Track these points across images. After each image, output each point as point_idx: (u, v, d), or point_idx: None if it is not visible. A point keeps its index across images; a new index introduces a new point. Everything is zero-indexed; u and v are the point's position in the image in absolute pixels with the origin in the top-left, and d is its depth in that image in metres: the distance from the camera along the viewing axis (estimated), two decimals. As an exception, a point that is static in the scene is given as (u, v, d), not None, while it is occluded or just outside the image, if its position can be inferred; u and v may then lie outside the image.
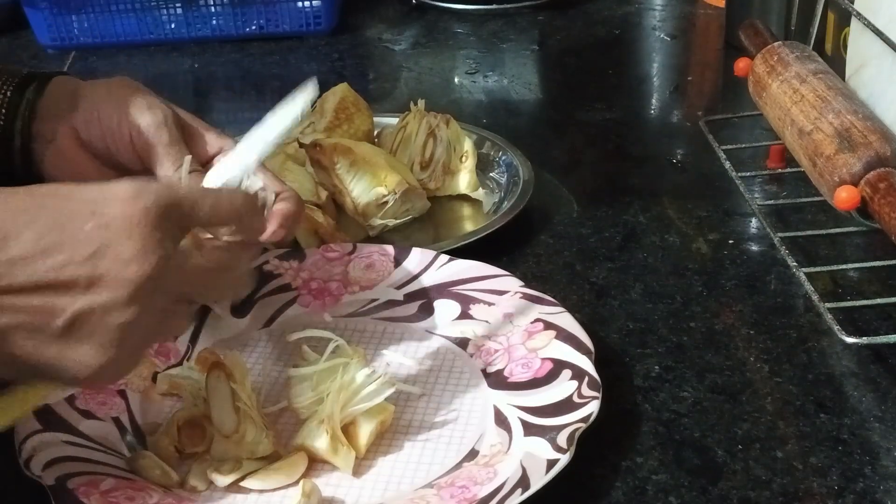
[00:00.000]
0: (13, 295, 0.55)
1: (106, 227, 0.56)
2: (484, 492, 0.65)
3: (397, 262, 0.86)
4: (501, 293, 0.82)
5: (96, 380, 0.59)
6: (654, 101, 1.27)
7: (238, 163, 0.67)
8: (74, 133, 0.78)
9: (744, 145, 1.05)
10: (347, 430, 0.70)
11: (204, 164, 0.77)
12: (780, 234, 0.88)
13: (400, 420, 0.74)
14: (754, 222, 0.96)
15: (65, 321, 0.56)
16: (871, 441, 0.71)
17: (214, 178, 0.67)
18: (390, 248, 0.88)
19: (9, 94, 0.79)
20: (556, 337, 0.77)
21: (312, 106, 1.06)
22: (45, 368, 0.57)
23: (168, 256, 0.57)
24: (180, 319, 0.63)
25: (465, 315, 0.82)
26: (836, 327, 0.76)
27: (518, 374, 0.76)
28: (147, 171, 0.77)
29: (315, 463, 0.70)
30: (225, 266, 0.63)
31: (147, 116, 0.76)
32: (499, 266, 0.85)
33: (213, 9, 1.39)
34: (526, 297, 0.81)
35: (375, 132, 1.07)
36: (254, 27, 1.40)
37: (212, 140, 0.78)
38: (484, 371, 0.78)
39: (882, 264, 0.86)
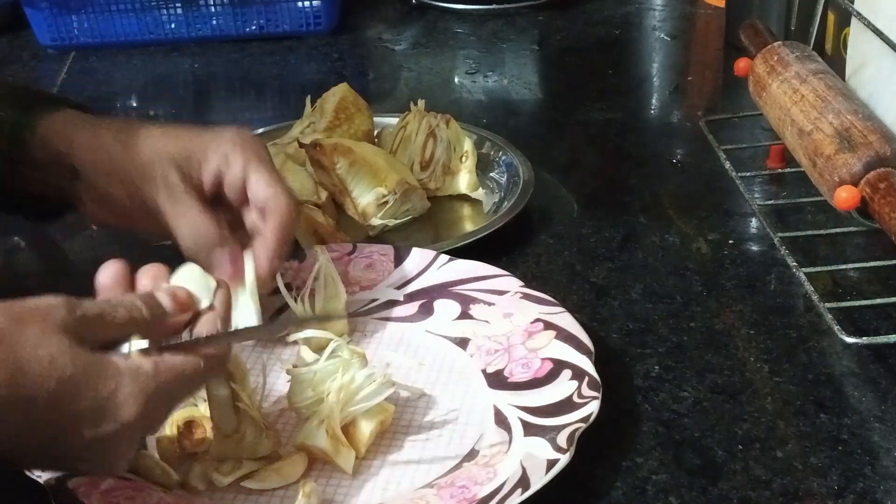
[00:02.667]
0: None
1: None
2: (484, 492, 0.65)
3: (397, 262, 0.86)
4: (501, 293, 0.82)
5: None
6: (654, 101, 1.27)
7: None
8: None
9: (744, 145, 1.05)
10: (347, 430, 0.70)
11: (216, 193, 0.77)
12: (780, 234, 0.88)
13: (400, 420, 0.74)
14: (754, 222, 0.96)
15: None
16: (871, 441, 0.71)
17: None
18: (390, 248, 0.88)
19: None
20: (556, 337, 0.77)
21: (313, 106, 1.07)
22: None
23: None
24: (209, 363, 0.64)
25: (465, 315, 0.82)
26: (836, 327, 0.76)
27: (518, 374, 0.76)
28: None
29: (315, 463, 0.70)
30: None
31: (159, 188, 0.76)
32: (499, 266, 0.85)
33: (213, 9, 1.39)
34: (526, 297, 0.81)
35: (375, 132, 1.07)
36: (254, 27, 1.40)
37: (210, 166, 0.77)
38: (484, 371, 0.78)
39: (882, 264, 0.86)
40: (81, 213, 0.80)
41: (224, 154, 0.76)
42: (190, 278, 0.67)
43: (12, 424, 0.56)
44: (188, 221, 0.75)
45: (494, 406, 0.74)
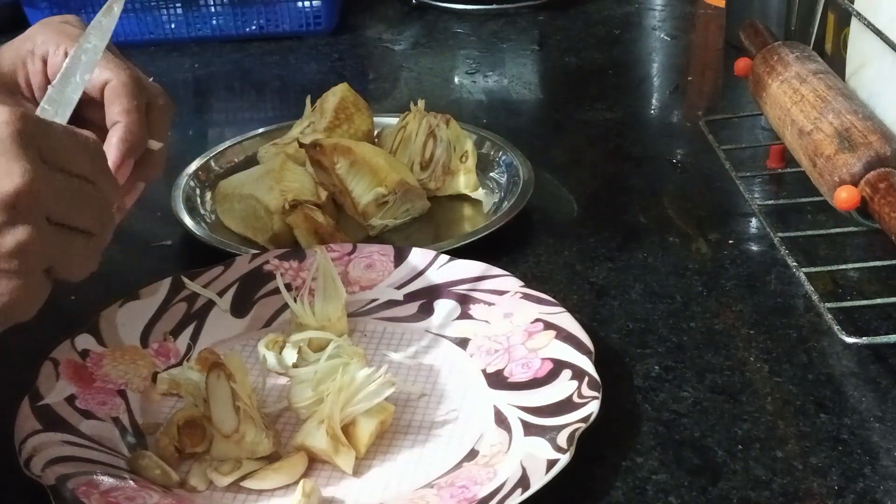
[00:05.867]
0: None
1: None
2: (484, 492, 0.65)
3: (397, 262, 0.86)
4: (501, 293, 0.82)
5: (10, 314, 0.57)
6: (654, 101, 1.27)
7: (62, 81, 0.67)
8: None
9: (744, 145, 1.05)
10: (347, 430, 0.70)
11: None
12: (780, 234, 0.88)
13: (400, 420, 0.74)
14: (754, 222, 0.96)
15: None
16: (871, 441, 0.72)
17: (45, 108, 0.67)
18: (390, 248, 0.88)
19: None
20: (556, 337, 0.77)
21: (313, 106, 1.08)
22: None
23: (38, 172, 0.55)
24: (80, 251, 0.59)
25: (465, 315, 0.82)
26: (836, 327, 0.76)
27: (518, 374, 0.76)
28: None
29: (315, 463, 0.70)
30: (89, 193, 0.59)
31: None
32: (499, 266, 0.85)
33: (213, 9, 1.39)
34: (526, 297, 0.81)
35: (375, 132, 1.07)
36: (254, 27, 1.40)
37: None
38: (484, 371, 0.78)
39: (882, 264, 0.86)
40: None
41: (45, 46, 0.75)
42: None
43: None
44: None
45: (494, 406, 0.74)
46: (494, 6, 1.48)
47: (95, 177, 0.60)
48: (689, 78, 1.33)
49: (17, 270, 0.55)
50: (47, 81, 0.75)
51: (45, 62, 0.76)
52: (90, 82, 0.70)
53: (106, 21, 0.69)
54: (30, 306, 0.58)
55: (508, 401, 0.74)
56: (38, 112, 0.67)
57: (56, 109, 0.67)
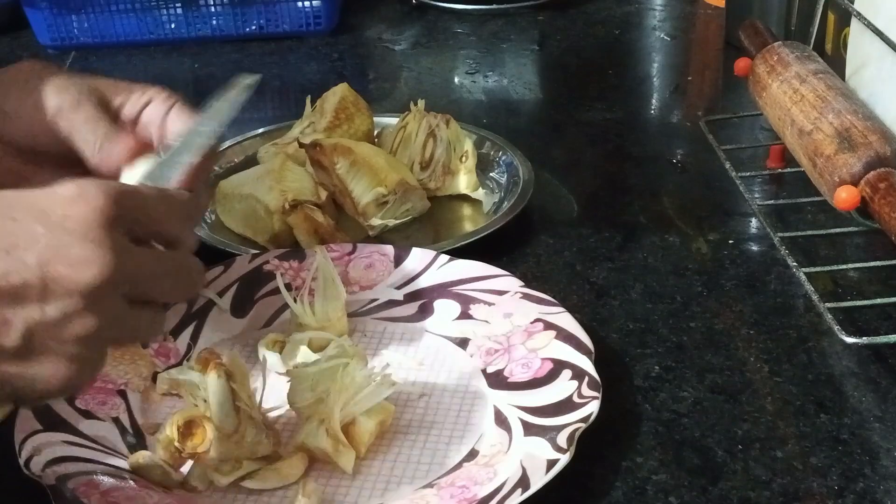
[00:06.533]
0: None
1: (56, 229, 0.51)
2: (484, 492, 0.65)
3: (397, 262, 0.86)
4: (501, 293, 0.82)
5: (62, 394, 0.55)
6: (654, 101, 1.27)
7: (169, 161, 0.64)
8: None
9: (744, 145, 1.05)
10: (347, 430, 0.70)
11: (135, 120, 0.72)
12: (780, 234, 0.88)
13: (400, 420, 0.74)
14: (754, 222, 0.96)
15: (18, 336, 0.51)
16: (871, 441, 0.72)
17: (138, 174, 0.63)
18: (390, 248, 0.88)
19: None
20: (556, 337, 0.77)
21: (313, 106, 1.08)
22: (4, 387, 0.53)
23: (122, 258, 0.53)
24: (150, 323, 0.57)
25: (465, 315, 0.82)
26: (836, 327, 0.76)
27: (518, 374, 0.76)
28: (71, 158, 0.71)
29: (315, 463, 0.70)
30: (177, 265, 0.58)
31: (60, 97, 0.69)
32: (499, 266, 0.85)
33: (213, 9, 1.39)
34: (526, 297, 0.81)
35: (375, 132, 1.07)
36: (254, 27, 1.40)
37: (135, 97, 0.72)
38: (484, 371, 0.78)
39: (882, 264, 0.86)
40: None
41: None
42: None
43: None
44: (87, 125, 0.70)
45: (494, 406, 0.74)
46: (494, 6, 1.48)
47: (186, 238, 0.59)
48: (689, 78, 1.33)
49: (79, 356, 0.53)
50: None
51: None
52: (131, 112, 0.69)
53: (228, 105, 0.66)
54: (83, 385, 0.57)
55: (508, 401, 0.74)
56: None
57: (153, 183, 0.63)
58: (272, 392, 0.76)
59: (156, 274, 0.56)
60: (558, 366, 0.75)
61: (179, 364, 0.78)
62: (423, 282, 0.85)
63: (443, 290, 0.84)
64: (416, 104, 1.04)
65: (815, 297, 0.80)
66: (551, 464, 0.66)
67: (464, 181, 1.01)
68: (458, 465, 0.70)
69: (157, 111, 0.71)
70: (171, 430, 0.70)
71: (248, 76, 0.65)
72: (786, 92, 0.92)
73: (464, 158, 1.01)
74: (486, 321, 0.81)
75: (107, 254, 0.52)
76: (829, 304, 0.79)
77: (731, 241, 0.94)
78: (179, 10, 1.38)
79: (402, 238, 0.95)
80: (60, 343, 0.52)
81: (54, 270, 0.51)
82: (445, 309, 0.83)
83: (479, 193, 1.01)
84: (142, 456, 0.69)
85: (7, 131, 0.70)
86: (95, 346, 0.54)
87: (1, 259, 0.51)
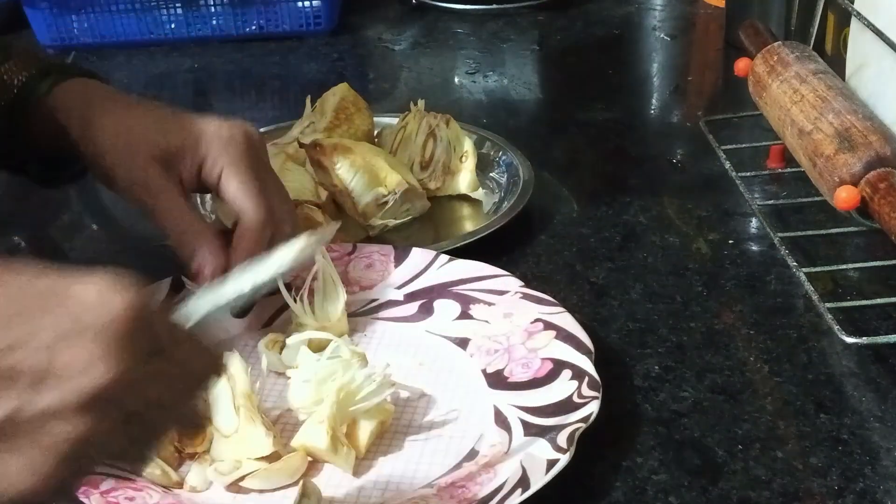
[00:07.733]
0: None
1: (75, 317, 0.47)
2: (484, 492, 0.65)
3: (397, 262, 0.86)
4: (501, 293, 0.82)
5: (22, 499, 0.47)
6: (654, 101, 1.27)
7: (217, 299, 0.58)
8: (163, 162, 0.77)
9: (744, 145, 1.05)
10: (347, 430, 0.70)
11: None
12: (780, 234, 0.88)
13: (400, 420, 0.74)
14: (754, 222, 0.96)
15: (1, 415, 0.46)
16: (871, 441, 0.71)
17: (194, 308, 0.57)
18: (390, 248, 0.88)
19: None
20: (556, 337, 0.77)
21: (313, 106, 1.08)
22: None
23: (130, 370, 0.48)
24: (140, 448, 0.53)
25: (465, 315, 0.82)
26: (836, 327, 0.76)
27: (518, 374, 0.76)
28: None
29: (315, 463, 0.70)
30: (180, 392, 0.53)
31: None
32: (499, 266, 0.85)
33: (213, 9, 1.39)
34: (526, 297, 0.81)
35: (375, 132, 1.07)
36: (254, 27, 1.40)
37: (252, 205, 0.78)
38: (484, 371, 0.78)
39: (882, 264, 0.86)
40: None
41: (206, 153, 0.78)
42: None
43: None
44: (168, 218, 0.77)
45: (494, 406, 0.74)
46: (494, 6, 1.48)
47: (202, 379, 0.55)
48: (689, 78, 1.33)
49: (56, 459, 0.47)
50: (195, 183, 0.78)
51: (200, 168, 0.78)
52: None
53: (289, 262, 0.60)
54: (48, 498, 0.49)
55: (508, 401, 0.74)
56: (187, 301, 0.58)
57: (198, 309, 0.57)
58: (272, 392, 0.76)
59: (161, 394, 0.51)
60: (558, 366, 0.75)
61: (179, 364, 0.78)
62: (423, 282, 0.85)
63: (443, 290, 0.84)
64: (415, 104, 1.04)
65: (815, 297, 0.80)
66: (551, 464, 0.66)
67: (464, 181, 1.01)
68: (458, 466, 0.70)
69: (211, 179, 0.78)
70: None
71: (318, 233, 0.63)
72: (786, 92, 0.92)
73: (464, 158, 1.01)
74: (486, 321, 0.81)
75: (114, 365, 0.47)
76: (829, 304, 0.79)
77: (731, 241, 0.94)
78: (179, 10, 1.39)
79: (402, 238, 0.95)
80: (38, 442, 0.47)
81: (58, 361, 0.47)
82: (445, 309, 0.83)
83: (479, 193, 1.01)
84: (142, 456, 0.69)
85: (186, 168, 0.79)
86: (76, 454, 0.48)
87: (10, 332, 0.47)
